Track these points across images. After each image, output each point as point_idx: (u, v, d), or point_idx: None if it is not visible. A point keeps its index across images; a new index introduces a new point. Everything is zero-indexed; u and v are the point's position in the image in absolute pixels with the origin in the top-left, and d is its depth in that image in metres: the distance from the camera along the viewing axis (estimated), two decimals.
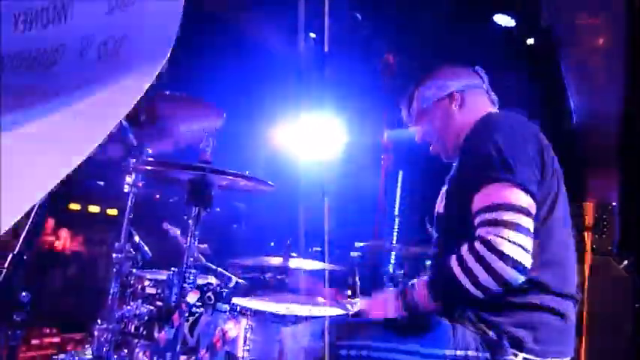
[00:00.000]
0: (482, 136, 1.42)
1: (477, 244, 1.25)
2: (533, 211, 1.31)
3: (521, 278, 1.25)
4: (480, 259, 1.24)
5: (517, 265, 1.23)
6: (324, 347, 1.34)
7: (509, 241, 1.23)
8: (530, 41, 4.47)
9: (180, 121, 2.06)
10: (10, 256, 1.32)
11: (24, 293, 1.26)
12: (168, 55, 0.52)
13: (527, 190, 1.31)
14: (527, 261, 1.24)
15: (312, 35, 4.11)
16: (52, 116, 0.52)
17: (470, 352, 1.32)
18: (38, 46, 0.55)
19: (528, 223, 1.28)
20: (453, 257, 1.31)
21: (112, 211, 5.31)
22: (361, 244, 3.25)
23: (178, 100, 1.95)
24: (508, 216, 1.26)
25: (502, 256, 1.22)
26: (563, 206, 1.47)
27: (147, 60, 0.53)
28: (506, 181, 1.30)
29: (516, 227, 1.25)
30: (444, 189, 1.63)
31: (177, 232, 2.20)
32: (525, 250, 1.24)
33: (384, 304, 1.47)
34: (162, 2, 0.57)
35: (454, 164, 1.70)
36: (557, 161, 1.48)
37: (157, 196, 4.94)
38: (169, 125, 2.05)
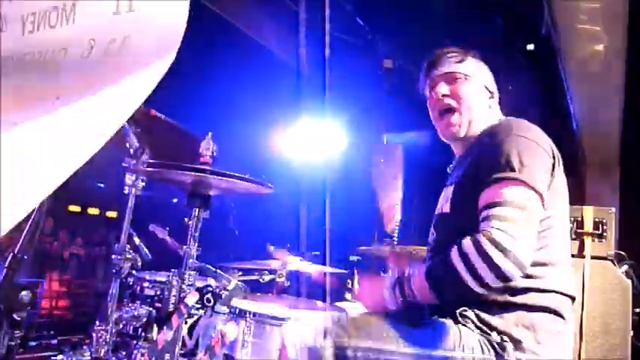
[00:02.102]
0: (501, 137, 1.43)
1: (481, 238, 1.25)
2: (541, 213, 1.32)
3: (519, 274, 1.25)
4: (483, 253, 1.24)
5: (516, 261, 1.23)
6: (329, 346, 1.32)
7: (511, 237, 1.23)
8: (531, 47, 4.49)
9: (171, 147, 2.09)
10: (11, 256, 1.33)
11: (24, 292, 1.27)
12: (174, 57, 0.53)
13: (538, 193, 1.32)
14: (527, 259, 1.24)
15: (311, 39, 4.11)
16: (58, 114, 0.52)
17: (476, 354, 1.32)
18: (45, 47, 0.55)
19: (534, 222, 1.29)
20: (455, 249, 1.30)
21: (112, 214, 5.31)
22: (362, 248, 3.24)
23: (168, 128, 1.97)
24: (514, 213, 1.27)
25: (504, 251, 1.22)
26: (565, 208, 1.49)
27: (151, 62, 0.53)
28: (520, 181, 1.31)
29: (521, 224, 1.25)
30: (449, 189, 1.61)
31: (166, 233, 2.19)
32: (526, 246, 1.25)
33: (377, 294, 1.46)
34: (168, 8, 0.57)
35: (457, 163, 1.70)
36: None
37: (158, 198, 4.94)
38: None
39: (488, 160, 1.41)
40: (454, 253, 1.29)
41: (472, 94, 1.62)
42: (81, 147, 0.52)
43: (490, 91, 1.67)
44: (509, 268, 1.23)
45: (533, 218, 1.29)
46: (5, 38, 0.57)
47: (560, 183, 1.44)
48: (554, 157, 1.43)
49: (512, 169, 1.33)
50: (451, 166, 1.77)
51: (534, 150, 1.38)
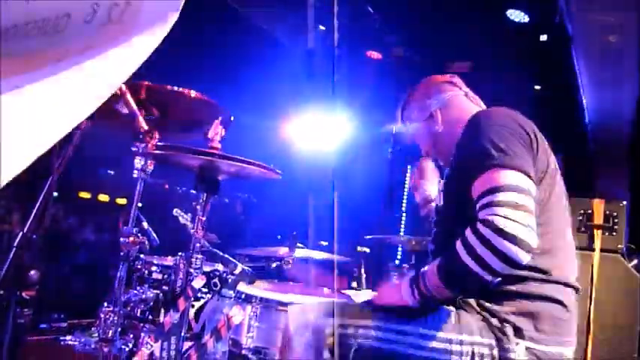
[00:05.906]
0: (473, 133, 1.45)
1: (480, 226, 1.24)
2: (534, 191, 1.31)
3: (527, 257, 1.23)
4: (485, 242, 1.22)
5: (521, 243, 1.21)
6: (331, 325, 1.35)
7: (512, 220, 1.22)
8: (544, 37, 4.43)
9: (189, 119, 2.09)
10: (20, 235, 1.34)
11: (33, 272, 1.28)
12: (173, 22, 0.53)
13: (525, 172, 1.31)
14: (531, 239, 1.23)
15: (322, 27, 4.09)
16: (60, 75, 0.53)
17: (475, 338, 1.32)
18: (47, 14, 0.56)
19: (530, 202, 1.27)
20: (459, 242, 1.29)
21: (122, 200, 5.35)
22: (369, 237, 3.25)
23: (188, 99, 1.96)
24: (509, 196, 1.26)
25: (506, 235, 1.21)
26: (560, 194, 1.48)
27: (150, 27, 0.53)
28: (503, 165, 1.31)
29: (518, 206, 1.24)
30: (442, 183, 1.66)
31: (188, 218, 2.21)
32: (529, 227, 1.23)
33: (396, 292, 1.44)
34: None
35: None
36: (551, 150, 1.50)
37: (166, 185, 4.97)
38: (178, 120, 2.08)
39: (468, 158, 1.44)
40: (459, 247, 1.28)
41: (425, 141, 1.80)
42: (78, 108, 0.52)
43: (427, 114, 1.75)
44: (515, 251, 1.21)
45: (529, 198, 1.28)
46: (6, 7, 0.58)
47: (544, 163, 1.43)
48: (532, 136, 1.42)
49: (492, 157, 1.33)
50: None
51: (506, 132, 1.39)
